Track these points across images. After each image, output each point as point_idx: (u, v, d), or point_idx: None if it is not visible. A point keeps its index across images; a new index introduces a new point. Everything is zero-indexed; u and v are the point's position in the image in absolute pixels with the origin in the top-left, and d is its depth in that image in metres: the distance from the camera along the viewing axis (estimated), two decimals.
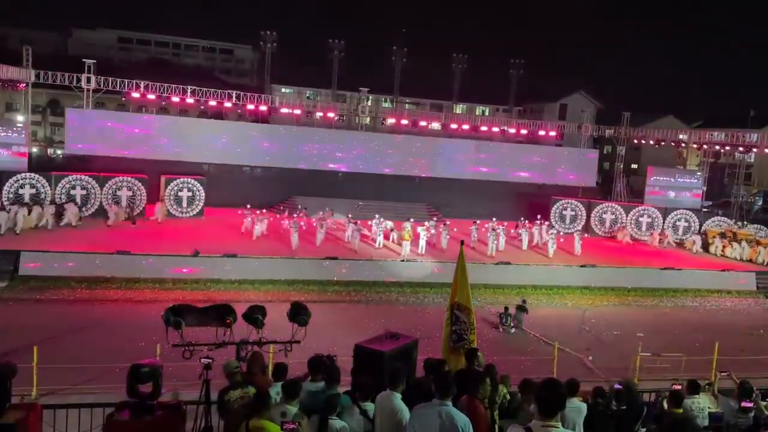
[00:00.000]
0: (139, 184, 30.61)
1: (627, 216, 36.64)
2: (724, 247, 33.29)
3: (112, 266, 22.22)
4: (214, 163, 35.64)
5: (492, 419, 6.52)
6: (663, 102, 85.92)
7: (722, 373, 10.43)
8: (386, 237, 28.81)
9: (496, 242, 28.77)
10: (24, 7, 75.27)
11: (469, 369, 7.56)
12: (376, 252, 27.26)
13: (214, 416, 6.41)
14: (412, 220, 30.07)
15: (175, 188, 31.80)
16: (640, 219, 36.61)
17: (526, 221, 32.07)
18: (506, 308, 20.84)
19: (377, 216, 30.56)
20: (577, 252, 30.05)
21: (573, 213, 36.93)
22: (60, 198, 28.76)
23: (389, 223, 30.04)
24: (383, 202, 35.01)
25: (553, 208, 36.81)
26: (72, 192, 29.33)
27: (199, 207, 32.06)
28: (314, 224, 28.29)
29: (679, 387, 8.16)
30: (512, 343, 18.86)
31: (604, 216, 36.82)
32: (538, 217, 33.31)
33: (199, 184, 32.18)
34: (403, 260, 25.90)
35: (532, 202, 37.72)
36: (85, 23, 68.48)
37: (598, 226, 36.57)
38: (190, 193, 31.93)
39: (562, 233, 32.34)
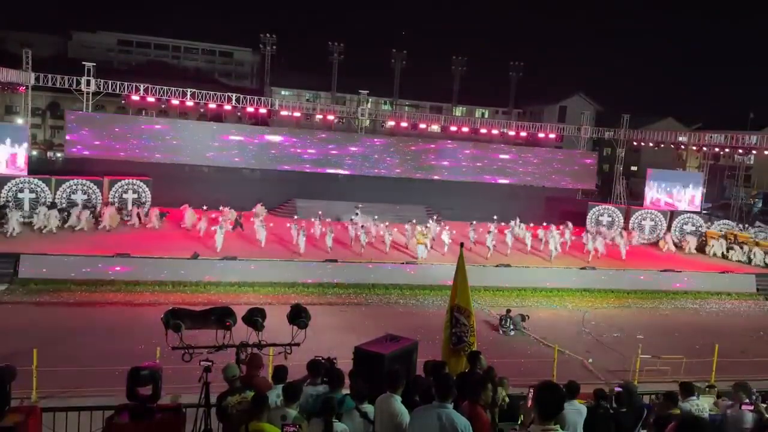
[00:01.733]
0: (95, 187, 30.09)
1: (672, 223, 36.27)
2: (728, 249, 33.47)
3: (112, 269, 22.26)
4: (213, 165, 35.66)
5: (492, 421, 6.51)
6: (662, 104, 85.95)
7: None
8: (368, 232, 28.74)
9: (493, 243, 28.74)
10: (24, 10, 75.30)
11: (472, 372, 7.54)
12: (377, 255, 27.20)
13: (214, 419, 6.40)
14: (413, 220, 30.09)
15: (120, 190, 30.97)
16: (684, 226, 36.27)
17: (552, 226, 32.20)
18: (508, 311, 20.86)
19: (359, 213, 30.98)
20: (623, 256, 29.98)
21: (610, 218, 36.81)
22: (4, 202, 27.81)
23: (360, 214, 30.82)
24: (382, 204, 35.00)
25: (590, 214, 36.72)
26: (20, 195, 28.36)
27: (146, 208, 30.81)
28: (324, 230, 28.10)
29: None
30: (512, 346, 18.86)
31: (643, 222, 36.65)
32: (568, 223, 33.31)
33: (144, 185, 31.45)
34: (403, 263, 25.89)
35: (558, 206, 37.92)
36: (84, 26, 68.59)
37: (638, 232, 36.07)
38: (135, 195, 31.22)
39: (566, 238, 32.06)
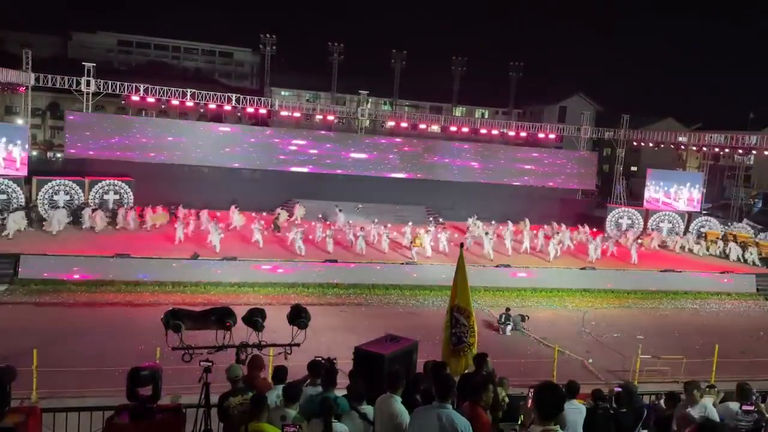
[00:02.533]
0: (77, 187, 29.70)
1: (689, 225, 36.09)
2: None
3: (112, 269, 22.27)
4: (213, 165, 35.60)
5: (494, 422, 6.51)
6: (662, 104, 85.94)
7: None
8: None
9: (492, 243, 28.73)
10: (24, 10, 75.29)
11: (476, 374, 7.54)
12: (377, 255, 27.18)
13: (214, 419, 6.40)
14: (410, 223, 30.06)
15: (101, 191, 30.49)
16: (701, 229, 36.24)
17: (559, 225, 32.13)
18: (507, 309, 20.87)
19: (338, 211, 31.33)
20: (634, 261, 29.51)
21: (629, 221, 36.73)
22: None
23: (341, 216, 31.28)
24: (382, 204, 34.98)
25: (609, 216, 36.65)
26: None
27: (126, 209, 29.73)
28: (324, 233, 27.99)
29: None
30: (512, 346, 18.86)
31: (661, 224, 36.50)
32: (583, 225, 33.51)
33: (126, 186, 30.99)
34: (403, 263, 25.89)
35: (557, 206, 38.04)
36: (84, 26, 68.60)
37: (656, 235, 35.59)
38: (117, 196, 30.73)
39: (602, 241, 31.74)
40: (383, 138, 40.63)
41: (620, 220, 36.70)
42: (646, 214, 37.03)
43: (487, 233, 29.21)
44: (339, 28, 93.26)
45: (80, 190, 29.85)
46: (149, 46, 71.72)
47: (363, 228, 28.77)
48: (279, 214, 31.22)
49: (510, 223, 32.09)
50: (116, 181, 30.94)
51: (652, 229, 36.06)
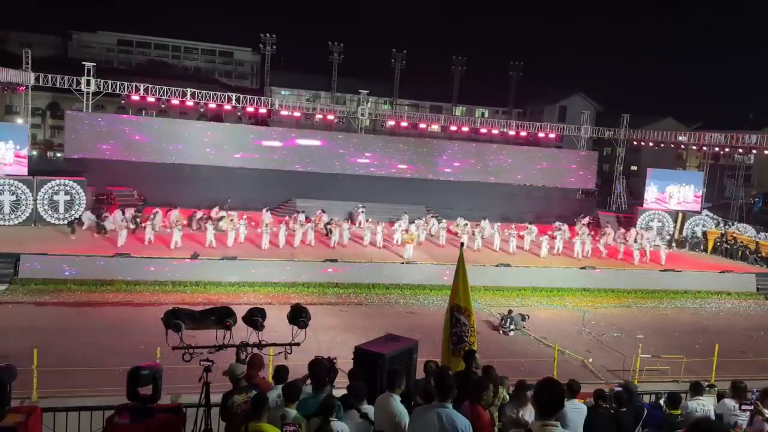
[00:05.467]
0: (24, 187, 28.20)
1: (727, 228, 35.66)
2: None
3: (112, 269, 22.28)
4: (214, 165, 35.55)
5: (491, 420, 6.51)
6: (662, 104, 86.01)
7: None
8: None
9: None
10: (24, 10, 75.39)
11: (468, 371, 7.55)
12: (375, 254, 27.21)
13: (214, 419, 6.40)
14: (403, 227, 30.17)
15: (50, 191, 28.65)
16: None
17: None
18: (510, 311, 20.87)
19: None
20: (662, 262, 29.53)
21: (660, 224, 36.55)
22: None
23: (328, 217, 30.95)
24: (383, 204, 34.97)
25: (640, 219, 36.54)
26: None
27: (80, 211, 28.81)
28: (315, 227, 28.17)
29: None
30: (512, 346, 18.87)
31: (696, 228, 36.03)
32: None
33: (78, 186, 29.17)
34: (403, 263, 25.90)
35: (557, 205, 38.10)
36: (84, 26, 68.68)
37: (689, 239, 35.38)
38: (67, 197, 28.83)
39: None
40: (383, 138, 40.59)
41: (651, 223, 36.51)
42: (683, 217, 36.53)
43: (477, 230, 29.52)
44: (339, 28, 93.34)
45: (28, 190, 28.36)
46: (149, 46, 71.81)
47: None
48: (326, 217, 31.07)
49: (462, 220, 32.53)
50: (67, 181, 29.01)
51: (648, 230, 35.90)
